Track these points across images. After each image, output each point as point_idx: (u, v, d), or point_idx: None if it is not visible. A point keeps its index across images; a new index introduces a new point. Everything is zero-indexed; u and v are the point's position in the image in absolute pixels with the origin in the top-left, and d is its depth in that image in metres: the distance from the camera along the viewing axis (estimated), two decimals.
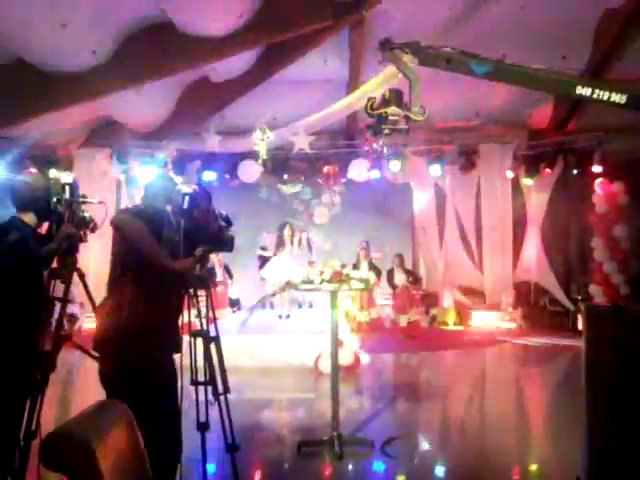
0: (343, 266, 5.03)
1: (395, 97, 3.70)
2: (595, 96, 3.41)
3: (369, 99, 3.77)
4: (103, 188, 11.30)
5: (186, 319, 3.22)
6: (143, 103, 10.65)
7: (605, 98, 3.41)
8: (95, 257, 10.12)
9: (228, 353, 3.37)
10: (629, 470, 3.63)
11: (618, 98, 3.38)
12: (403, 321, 11.57)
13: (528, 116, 12.12)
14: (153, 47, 8.79)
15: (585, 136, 11.68)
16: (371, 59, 10.33)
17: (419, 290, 12.50)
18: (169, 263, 2.98)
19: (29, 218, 3.32)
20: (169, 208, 3.16)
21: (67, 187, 3.27)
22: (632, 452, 3.63)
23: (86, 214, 3.35)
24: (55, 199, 3.26)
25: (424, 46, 3.67)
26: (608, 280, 11.14)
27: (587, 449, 3.78)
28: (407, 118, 3.74)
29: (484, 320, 12.27)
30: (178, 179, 3.37)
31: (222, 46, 8.81)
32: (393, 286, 11.70)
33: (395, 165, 12.18)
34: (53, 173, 3.39)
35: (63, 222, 3.23)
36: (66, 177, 3.31)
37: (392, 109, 3.66)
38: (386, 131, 3.75)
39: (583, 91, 3.43)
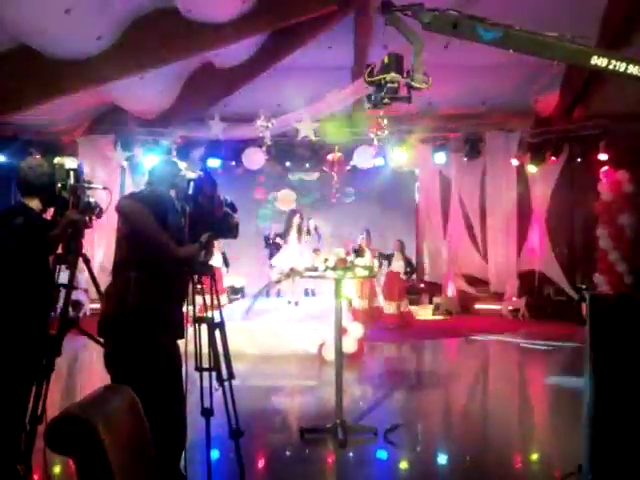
0: (348, 253, 5.03)
1: (395, 62, 3.39)
2: (611, 67, 3.21)
3: (368, 65, 3.47)
4: (107, 175, 11.32)
5: (190, 305, 3.23)
6: (147, 89, 10.62)
7: (622, 70, 3.23)
8: (100, 242, 10.16)
9: (232, 340, 3.37)
10: (631, 459, 3.63)
11: (636, 70, 3.21)
12: (391, 309, 11.28)
13: (534, 103, 12.04)
14: (157, 33, 8.75)
15: (591, 123, 11.60)
16: (377, 45, 10.27)
17: (416, 277, 12.37)
18: (175, 248, 2.98)
19: (35, 204, 3.32)
20: (173, 193, 3.16)
21: (72, 173, 3.27)
22: (634, 441, 3.64)
23: (91, 199, 3.35)
24: (60, 185, 3.26)
25: (429, 8, 3.37)
26: (612, 269, 11.10)
27: (589, 438, 3.78)
28: (409, 87, 3.44)
29: (488, 309, 12.29)
30: (182, 164, 3.35)
31: (226, 32, 8.76)
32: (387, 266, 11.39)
33: (400, 156, 12.18)
34: (58, 159, 3.37)
35: (68, 208, 3.23)
36: (70, 163, 3.31)
37: (392, 75, 3.35)
38: (386, 100, 3.42)
39: (598, 62, 3.23)
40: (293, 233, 10.33)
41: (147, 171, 3.29)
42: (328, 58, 10.72)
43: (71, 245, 3.23)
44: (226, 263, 11.66)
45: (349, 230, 12.39)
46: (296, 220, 10.40)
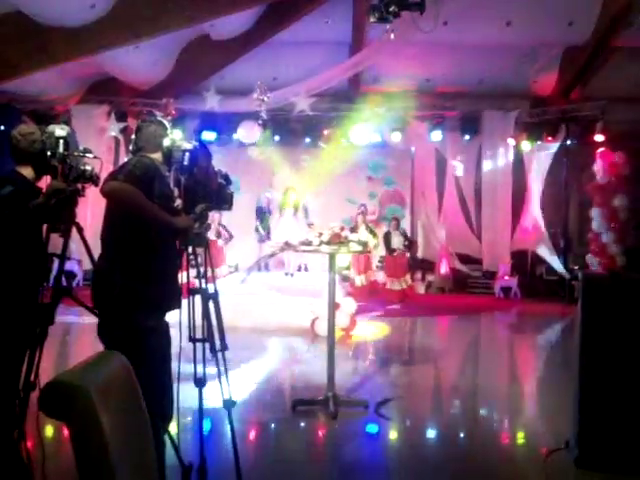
0: (342, 228, 5.02)
1: None
2: None
3: None
4: (101, 144, 11.22)
5: (185, 277, 3.22)
6: (143, 60, 10.50)
7: None
8: (93, 210, 10.01)
9: (226, 312, 3.37)
10: (617, 435, 3.69)
11: None
12: (395, 286, 11.42)
13: (533, 83, 11.98)
14: (153, 2, 8.63)
15: (588, 105, 11.57)
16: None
17: (412, 255, 12.45)
18: (170, 220, 2.96)
19: (27, 172, 3.27)
20: (159, 157, 3.11)
21: (61, 141, 3.20)
22: (621, 419, 3.70)
23: (88, 167, 3.30)
24: (49, 153, 3.21)
25: None
26: (605, 250, 11.17)
27: (577, 414, 3.84)
28: None
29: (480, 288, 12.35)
30: (178, 134, 3.31)
31: (222, 2, 8.65)
32: (390, 250, 11.59)
33: (396, 136, 12.16)
34: (50, 127, 3.31)
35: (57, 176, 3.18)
36: (60, 131, 3.24)
37: None
38: (393, 8, 2.91)
39: None
40: (289, 208, 10.57)
41: (134, 132, 3.22)
42: (326, 33, 10.61)
43: (63, 214, 3.20)
44: (228, 234, 11.52)
45: (343, 206, 12.40)
46: (292, 196, 10.62)
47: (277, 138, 12.40)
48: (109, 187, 2.91)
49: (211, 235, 11.04)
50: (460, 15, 9.43)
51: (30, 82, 9.89)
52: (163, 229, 2.98)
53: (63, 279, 3.24)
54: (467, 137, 12.39)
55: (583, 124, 11.90)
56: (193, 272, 3.23)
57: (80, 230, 3.31)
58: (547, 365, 7.33)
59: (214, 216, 10.81)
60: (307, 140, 12.69)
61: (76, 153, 3.26)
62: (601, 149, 11.38)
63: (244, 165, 12.36)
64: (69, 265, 10.21)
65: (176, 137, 3.26)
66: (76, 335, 7.86)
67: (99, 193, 2.96)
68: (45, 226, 3.24)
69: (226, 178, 3.36)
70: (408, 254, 11.79)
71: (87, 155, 3.33)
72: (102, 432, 1.53)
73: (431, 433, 4.74)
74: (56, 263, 3.24)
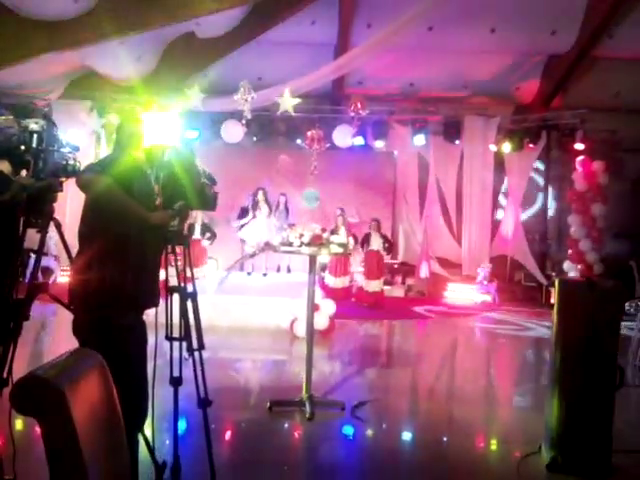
0: (323, 230, 5.03)
1: None
2: None
3: None
4: (83, 140, 11.10)
5: (163, 276, 3.20)
6: (126, 56, 10.39)
7: None
8: (71, 207, 9.92)
9: (204, 312, 3.36)
10: (589, 440, 3.75)
11: None
12: (372, 287, 11.35)
13: (515, 89, 12.11)
14: None
15: (569, 113, 11.73)
16: (361, 22, 10.20)
17: (391, 257, 12.44)
18: (146, 215, 2.94)
19: (5, 166, 3.22)
20: (141, 155, 3.09)
21: (35, 135, 3.15)
22: (593, 423, 3.75)
23: (70, 162, 3.25)
24: (23, 147, 3.15)
25: None
26: (583, 258, 11.31)
27: (550, 419, 3.89)
28: None
29: (459, 292, 12.41)
30: (159, 132, 3.29)
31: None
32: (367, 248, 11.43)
33: (379, 143, 12.24)
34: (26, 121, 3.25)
35: (34, 171, 3.13)
36: (34, 125, 3.19)
37: None
38: None
39: None
40: (264, 208, 10.56)
41: (115, 130, 3.19)
42: (312, 34, 10.62)
43: (39, 209, 3.14)
44: (211, 233, 11.34)
45: (326, 208, 12.38)
46: (260, 196, 10.62)
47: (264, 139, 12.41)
48: (84, 179, 2.89)
49: (197, 234, 10.98)
50: (445, 21, 9.51)
51: (10, 75, 9.74)
52: (138, 224, 2.95)
53: (40, 276, 3.20)
54: (449, 142, 12.47)
55: (563, 132, 12.06)
56: (172, 271, 3.21)
57: (58, 226, 3.27)
58: (522, 370, 7.40)
59: (197, 215, 10.77)
60: (289, 141, 12.66)
61: (51, 148, 3.21)
62: (580, 157, 11.53)
63: (227, 164, 12.30)
64: (46, 261, 10.10)
65: (157, 135, 3.25)
66: (51, 332, 7.77)
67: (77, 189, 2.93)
68: (22, 221, 3.20)
69: (210, 178, 3.34)
70: (386, 256, 11.72)
71: (62, 150, 3.28)
72: (74, 429, 1.52)
73: (406, 436, 4.77)
74: (32, 259, 3.20)
